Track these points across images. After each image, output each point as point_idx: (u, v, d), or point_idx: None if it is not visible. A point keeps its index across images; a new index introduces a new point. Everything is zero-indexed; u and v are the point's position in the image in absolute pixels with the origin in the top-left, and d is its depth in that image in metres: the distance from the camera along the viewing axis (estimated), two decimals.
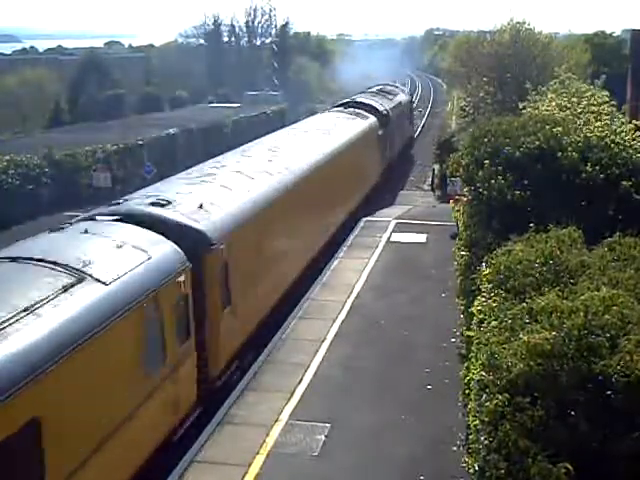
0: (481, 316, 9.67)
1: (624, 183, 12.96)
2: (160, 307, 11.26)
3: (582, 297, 8.23)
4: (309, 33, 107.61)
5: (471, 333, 10.99)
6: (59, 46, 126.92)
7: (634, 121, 18.36)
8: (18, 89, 59.93)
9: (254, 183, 17.39)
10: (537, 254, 9.97)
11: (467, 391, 10.56)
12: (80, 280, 10.02)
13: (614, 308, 7.91)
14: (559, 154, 13.45)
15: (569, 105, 20.50)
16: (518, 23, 40.61)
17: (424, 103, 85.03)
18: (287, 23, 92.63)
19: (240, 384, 14.18)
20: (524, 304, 8.70)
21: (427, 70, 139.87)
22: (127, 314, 10.25)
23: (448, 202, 25.42)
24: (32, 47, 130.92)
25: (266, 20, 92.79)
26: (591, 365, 7.28)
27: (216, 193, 15.65)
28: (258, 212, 16.31)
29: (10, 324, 8.54)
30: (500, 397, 7.21)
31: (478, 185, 13.53)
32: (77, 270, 10.22)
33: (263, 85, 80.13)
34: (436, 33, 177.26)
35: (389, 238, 25.05)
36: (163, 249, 12.12)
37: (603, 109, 20.62)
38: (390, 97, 42.56)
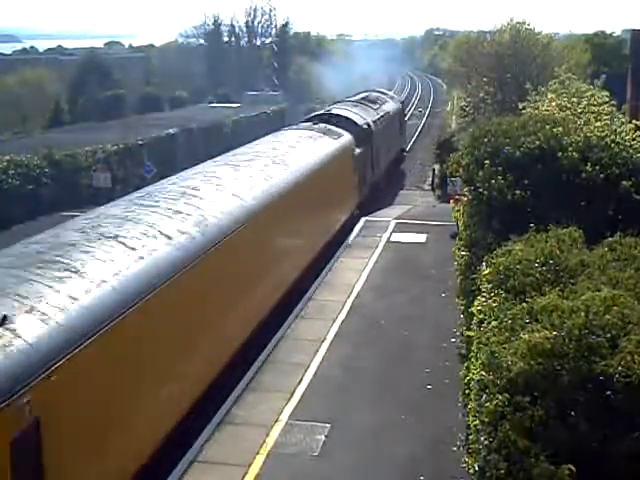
0: (481, 316, 9.67)
1: (624, 183, 12.95)
2: None
3: (583, 297, 8.23)
4: (309, 33, 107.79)
5: (471, 333, 10.99)
6: (59, 46, 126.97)
7: (634, 121, 18.37)
8: (18, 89, 59.97)
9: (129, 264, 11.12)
10: (537, 254, 9.97)
11: (467, 391, 10.56)
12: None
13: (615, 308, 7.90)
14: (559, 154, 13.43)
15: (569, 105, 20.52)
16: (518, 23, 40.68)
17: (424, 103, 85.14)
18: (287, 23, 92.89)
19: (240, 384, 14.17)
20: (524, 304, 8.70)
21: (427, 70, 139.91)
22: None
23: (448, 202, 25.44)
24: (32, 47, 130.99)
25: (266, 20, 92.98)
26: (591, 365, 7.27)
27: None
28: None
29: None
30: (500, 397, 7.21)
31: (478, 185, 13.52)
32: None
33: (263, 85, 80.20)
34: (436, 33, 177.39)
35: (389, 238, 25.05)
36: None
37: (603, 109, 20.66)
38: (374, 107, 36.44)
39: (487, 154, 13.92)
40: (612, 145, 13.97)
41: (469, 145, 14.98)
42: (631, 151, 14.04)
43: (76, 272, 10.28)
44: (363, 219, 27.67)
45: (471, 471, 8.21)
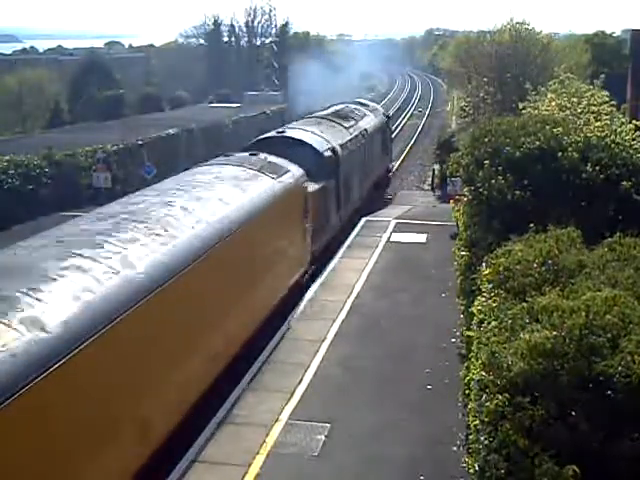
0: (481, 316, 9.67)
1: (624, 183, 12.95)
2: None
3: (583, 297, 8.23)
4: (309, 33, 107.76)
5: (471, 333, 10.99)
6: (59, 46, 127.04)
7: (634, 121, 18.37)
8: (18, 89, 59.95)
9: None
10: (536, 254, 9.98)
11: (467, 391, 10.56)
12: None
13: (615, 308, 7.91)
14: (559, 154, 13.43)
15: (569, 105, 20.53)
16: (518, 23, 40.74)
17: (424, 103, 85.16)
18: (287, 23, 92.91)
19: (240, 384, 14.18)
20: (524, 304, 8.70)
21: (427, 70, 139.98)
22: None
23: (448, 202, 25.40)
24: (32, 47, 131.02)
25: (266, 20, 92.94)
26: (592, 365, 7.27)
27: None
28: None
29: None
30: (500, 397, 7.21)
31: (478, 185, 13.52)
32: None
33: (263, 85, 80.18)
34: (436, 33, 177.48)
35: (389, 238, 25.04)
36: None
37: (603, 109, 20.66)
38: (346, 124, 28.78)
39: (487, 154, 13.92)
40: (612, 145, 13.97)
41: (469, 145, 14.98)
42: (631, 151, 14.05)
43: None
44: (363, 219, 27.68)
45: (471, 471, 8.21)
